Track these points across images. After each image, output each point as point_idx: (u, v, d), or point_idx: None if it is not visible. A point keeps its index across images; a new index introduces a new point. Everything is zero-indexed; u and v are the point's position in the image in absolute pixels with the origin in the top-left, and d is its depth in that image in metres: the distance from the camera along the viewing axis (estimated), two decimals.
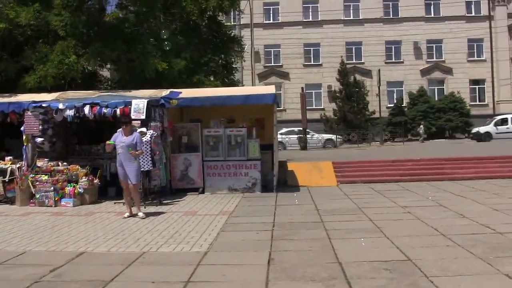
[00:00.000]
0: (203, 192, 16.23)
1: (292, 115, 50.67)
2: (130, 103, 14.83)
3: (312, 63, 54.54)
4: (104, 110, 14.88)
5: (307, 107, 52.37)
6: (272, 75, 54.64)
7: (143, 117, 14.57)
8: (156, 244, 9.37)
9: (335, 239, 9.31)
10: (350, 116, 48.48)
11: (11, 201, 14.92)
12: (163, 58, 18.74)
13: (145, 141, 13.92)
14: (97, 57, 17.34)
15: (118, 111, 14.86)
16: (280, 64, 54.82)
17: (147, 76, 17.79)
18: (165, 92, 16.44)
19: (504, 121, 43.73)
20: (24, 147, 15.32)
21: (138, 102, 14.77)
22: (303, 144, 35.42)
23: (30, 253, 9.08)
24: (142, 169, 13.72)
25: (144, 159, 13.86)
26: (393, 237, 9.22)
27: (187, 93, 16.59)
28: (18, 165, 15.21)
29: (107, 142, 12.29)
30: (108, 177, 16.19)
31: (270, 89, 16.54)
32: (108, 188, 16.06)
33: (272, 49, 54.85)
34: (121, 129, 12.42)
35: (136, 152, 12.08)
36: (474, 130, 45.34)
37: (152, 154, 14.07)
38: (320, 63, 54.37)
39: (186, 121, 17.75)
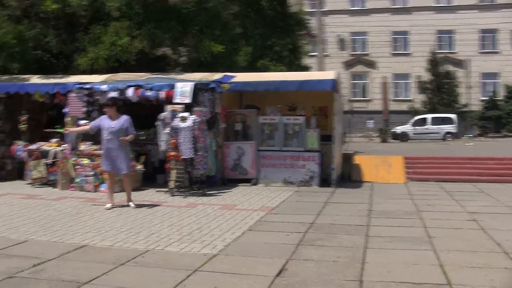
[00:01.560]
0: (256, 183, 15.29)
1: (378, 106, 48.75)
2: (175, 86, 13.93)
3: (400, 52, 52.25)
4: (148, 92, 14.18)
5: (394, 98, 50.51)
6: (358, 64, 52.86)
7: (188, 101, 13.71)
8: (167, 241, 8.44)
9: (372, 248, 8.03)
10: (440, 109, 46.03)
11: (53, 184, 14.55)
12: (225, 42, 17.74)
13: (186, 126, 13.08)
14: (150, 38, 16.48)
15: (162, 94, 14.01)
16: (367, 53, 52.87)
17: (202, 59, 16.87)
18: (217, 76, 15.58)
19: None
20: None
21: (184, 85, 13.92)
22: (384, 137, 33.66)
23: (30, 242, 8.39)
24: (183, 157, 12.86)
25: (185, 146, 13.04)
26: (441, 251, 7.82)
27: (241, 77, 15.60)
28: (61, 148, 14.63)
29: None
30: (157, 163, 15.47)
31: (329, 75, 15.26)
32: (158, 175, 15.38)
33: (358, 37, 52.95)
34: (106, 115, 11.61)
35: (126, 138, 11.23)
36: None
37: (195, 141, 13.11)
38: (409, 52, 52.05)
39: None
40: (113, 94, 14.37)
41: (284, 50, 21.16)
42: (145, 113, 15.69)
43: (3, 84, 15.79)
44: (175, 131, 13.30)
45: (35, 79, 16.20)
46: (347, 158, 17.92)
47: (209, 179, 14.86)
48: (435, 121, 42.16)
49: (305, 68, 24.88)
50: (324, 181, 15.16)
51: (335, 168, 15.20)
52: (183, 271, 6.79)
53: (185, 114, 13.24)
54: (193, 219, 10.29)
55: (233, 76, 15.49)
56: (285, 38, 21.07)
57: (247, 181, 15.38)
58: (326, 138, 15.48)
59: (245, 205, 11.99)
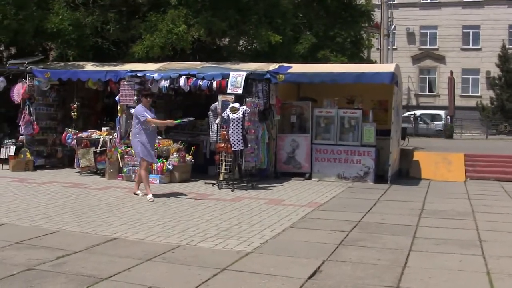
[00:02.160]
0: (309, 178, 14.84)
1: (445, 101, 47.12)
2: (227, 76, 13.61)
3: (470, 46, 50.44)
4: (200, 82, 13.86)
5: (462, 94, 48.83)
6: (427, 58, 51.33)
7: (240, 91, 13.31)
8: (202, 237, 8.04)
9: (416, 251, 7.42)
10: (509, 105, 44.16)
11: (102, 173, 14.44)
12: (284, 31, 17.25)
13: (236, 117, 12.66)
14: (206, 27, 16.15)
15: (214, 84, 13.67)
16: (436, 47, 51.25)
17: (259, 49, 16.42)
18: (273, 66, 15.15)
19: None
20: (118, 118, 14.65)
21: (236, 75, 13.53)
22: (449, 133, 32.46)
23: (61, 233, 8.13)
24: (233, 148, 12.60)
25: (234, 138, 12.66)
26: (491, 257, 7.14)
27: (297, 68, 15.16)
28: (111, 137, 14.49)
29: (176, 122, 11.86)
30: (208, 155, 15.20)
31: (388, 67, 14.64)
32: (209, 166, 15.10)
33: (428, 31, 51.39)
34: (140, 104, 11.52)
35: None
36: None
37: (244, 132, 12.69)
38: (479, 47, 50.15)
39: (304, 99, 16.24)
40: (165, 82, 14.14)
41: (346, 42, 20.47)
42: (201, 102, 15.56)
43: (55, 70, 15.73)
44: (225, 122, 12.92)
45: (90, 66, 16.13)
46: (406, 154, 17.21)
47: (261, 172, 14.55)
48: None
49: (368, 61, 24.13)
50: (380, 178, 14.59)
51: (391, 164, 14.51)
52: (211, 270, 6.36)
53: (236, 105, 12.84)
54: (235, 214, 9.90)
55: (289, 67, 15.04)
56: (348, 30, 20.35)
57: (300, 175, 14.95)
58: (386, 133, 14.80)
59: (293, 200, 11.55)
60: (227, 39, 18.24)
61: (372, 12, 22.42)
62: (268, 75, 14.50)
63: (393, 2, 41.97)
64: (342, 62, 18.57)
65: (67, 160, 15.91)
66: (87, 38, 17.27)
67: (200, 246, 7.53)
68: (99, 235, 7.99)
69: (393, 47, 37.52)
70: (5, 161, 15.20)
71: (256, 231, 8.48)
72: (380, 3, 29.82)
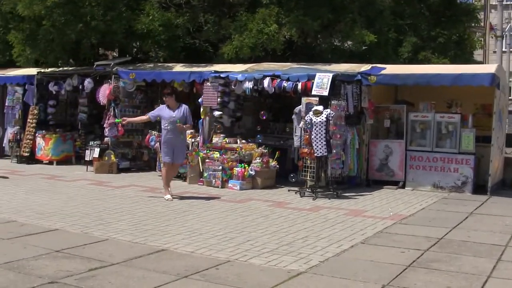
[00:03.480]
0: (403, 186, 13.95)
1: None
2: (313, 77, 12.93)
3: None
4: (285, 83, 13.28)
5: None
6: None
7: (326, 93, 12.59)
8: (258, 251, 7.43)
9: (496, 278, 6.45)
10: None
11: (184, 177, 14.08)
12: (380, 31, 16.34)
13: (319, 121, 11.96)
14: (298, 26, 15.52)
15: (299, 85, 13.05)
16: None
17: (353, 49, 15.63)
18: (365, 67, 14.36)
19: None
20: (201, 120, 14.31)
21: (322, 76, 12.82)
22: None
23: (110, 241, 7.75)
24: (316, 154, 11.97)
25: (317, 143, 12.00)
26: None
27: (391, 69, 14.26)
28: (194, 140, 14.19)
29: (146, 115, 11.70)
30: (296, 160, 14.55)
31: (489, 68, 13.37)
32: (297, 172, 14.38)
33: None
34: (164, 104, 11.46)
35: (185, 126, 11.15)
36: None
37: (328, 137, 11.96)
38: None
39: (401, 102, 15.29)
40: (249, 84, 13.68)
41: (449, 42, 19.14)
42: (291, 105, 14.96)
43: (140, 71, 15.65)
44: (309, 126, 12.26)
45: (179, 68, 15.91)
46: (511, 163, 15.74)
47: (351, 179, 13.89)
48: None
49: (472, 62, 22.52)
50: (481, 188, 13.42)
51: (492, 174, 13.32)
52: None
53: (319, 108, 12.16)
54: (306, 225, 9.23)
55: (382, 68, 14.16)
56: (451, 29, 19.01)
57: (393, 183, 14.09)
58: (488, 140, 13.64)
59: (376, 211, 10.75)
60: (319, 39, 17.44)
61: (478, 11, 20.87)
62: (359, 77, 13.71)
63: (508, 3, 39.28)
64: (444, 64, 17.33)
65: (153, 163, 15.63)
66: (178, 39, 16.98)
67: (251, 263, 6.87)
68: (147, 246, 7.52)
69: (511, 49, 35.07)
70: (90, 163, 15.20)
71: (320, 247, 7.74)
72: (496, 3, 27.97)
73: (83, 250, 7.15)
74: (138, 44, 17.91)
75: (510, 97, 18.40)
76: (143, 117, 12.16)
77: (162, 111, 11.33)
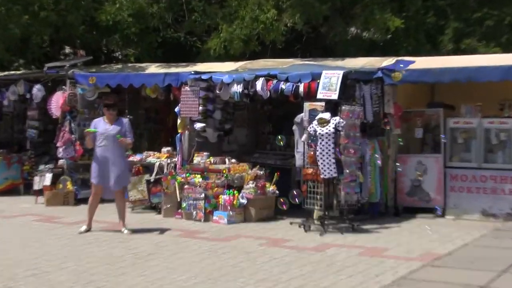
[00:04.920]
0: (442, 214, 13.60)
1: None
2: (319, 76, 12.52)
3: None
4: (283, 85, 12.91)
5: None
6: None
7: (335, 96, 12.18)
8: None
9: None
10: None
11: (158, 208, 13.82)
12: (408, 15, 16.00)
13: (325, 133, 11.60)
14: (303, 11, 15.18)
15: (301, 87, 12.75)
16: None
17: (375, 39, 15.28)
18: (388, 61, 14.05)
19: None
20: (179, 135, 14.03)
21: (330, 75, 12.43)
22: None
23: None
24: (323, 176, 11.70)
25: (324, 161, 11.69)
26: None
27: (422, 62, 13.86)
28: (170, 161, 14.06)
29: (87, 130, 11.62)
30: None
31: None
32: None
33: None
34: (101, 117, 11.86)
35: (127, 140, 11.42)
36: None
37: (337, 154, 11.60)
38: None
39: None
40: (238, 87, 13.37)
41: (500, 25, 18.72)
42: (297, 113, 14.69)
43: (103, 75, 15.35)
44: (313, 139, 11.92)
45: (153, 68, 15.79)
46: None
47: (372, 207, 13.56)
48: None
49: None
50: None
51: None
52: None
53: (325, 116, 11.74)
54: (304, 271, 8.78)
55: (410, 62, 13.69)
56: (502, 8, 18.62)
57: (430, 210, 13.78)
58: None
59: (401, 249, 10.36)
60: (331, 27, 17.14)
61: None
62: (379, 74, 13.31)
63: None
64: (494, 53, 16.91)
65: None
66: (154, 32, 16.76)
67: None
68: None
69: None
70: (41, 192, 14.86)
71: None
72: None
73: None
74: (102, 39, 17.64)
75: None
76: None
77: (96, 124, 11.56)
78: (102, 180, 11.35)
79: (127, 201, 13.85)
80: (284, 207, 12.98)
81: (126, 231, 11.42)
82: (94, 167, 11.45)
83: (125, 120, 11.75)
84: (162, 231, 11.89)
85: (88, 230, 11.53)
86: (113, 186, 11.44)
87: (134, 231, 11.71)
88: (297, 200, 12.53)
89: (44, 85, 15.64)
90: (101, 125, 11.44)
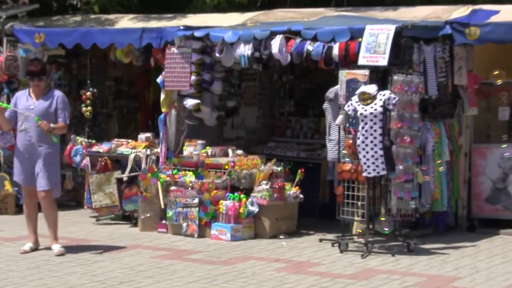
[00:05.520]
0: None
1: None
2: (361, 33, 12.68)
3: None
4: (309, 46, 13.06)
5: None
6: None
7: (384, 62, 12.36)
8: None
9: None
10: None
11: (134, 218, 14.13)
12: None
13: (370, 113, 11.77)
14: None
15: (335, 49, 12.90)
16: None
17: None
18: (461, 11, 14.19)
19: None
20: (162, 115, 14.28)
21: (377, 31, 12.63)
22: None
23: None
24: (366, 174, 11.92)
25: (367, 153, 11.87)
26: None
27: (508, 12, 13.97)
28: (149, 152, 14.27)
29: None
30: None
31: None
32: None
33: None
34: (27, 88, 11.88)
35: (51, 125, 11.27)
36: None
37: (387, 142, 11.76)
38: None
39: None
40: (245, 48, 13.54)
41: None
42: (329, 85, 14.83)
43: (55, 30, 15.62)
44: (353, 122, 12.21)
45: (125, 22, 16.07)
46: None
47: (437, 218, 13.87)
48: None
49: None
50: None
51: None
52: None
53: (369, 89, 11.89)
54: None
55: (492, 12, 13.98)
56: None
57: None
58: None
59: (477, 280, 10.49)
60: None
61: None
62: (447, 29, 13.54)
63: None
64: None
65: (82, 194, 15.51)
66: None
67: None
68: None
69: None
70: None
71: None
72: None
73: None
74: None
75: None
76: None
77: (18, 99, 11.64)
78: (28, 179, 11.47)
79: (91, 208, 14.16)
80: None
81: (57, 249, 11.44)
82: (15, 161, 11.69)
83: (58, 94, 11.66)
84: (139, 250, 12.09)
85: (35, 249, 11.59)
86: (37, 186, 11.47)
87: (104, 249, 12.01)
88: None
89: None
90: (23, 101, 11.50)
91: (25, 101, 11.45)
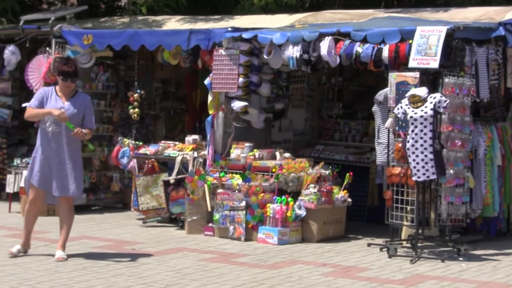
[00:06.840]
0: None
1: None
2: (412, 34, 12.61)
3: None
4: (358, 48, 13.01)
5: None
6: None
7: (435, 64, 12.25)
8: None
9: None
10: None
11: (181, 221, 14.10)
12: None
13: (420, 117, 11.69)
14: None
15: (385, 51, 12.84)
16: None
17: None
18: None
19: None
20: (210, 118, 14.25)
21: (428, 33, 12.53)
22: None
23: None
24: (415, 178, 11.80)
25: (417, 157, 11.78)
26: None
27: None
28: (196, 154, 14.24)
29: (26, 105, 11.50)
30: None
31: None
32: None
33: None
34: (52, 87, 11.70)
35: (84, 131, 11.05)
36: None
37: (438, 146, 11.69)
38: None
39: None
40: (293, 50, 13.52)
41: None
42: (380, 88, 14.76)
43: (103, 32, 15.68)
44: (402, 125, 12.12)
45: (173, 23, 16.10)
46: None
47: (488, 224, 13.73)
48: None
49: None
50: None
51: None
52: None
53: (420, 92, 11.78)
54: None
55: None
56: None
57: None
58: None
59: None
60: None
61: None
62: (501, 31, 13.34)
63: None
64: None
65: (129, 196, 15.51)
66: None
67: None
68: None
69: None
70: (17, 196, 15.16)
71: None
72: None
73: None
74: None
75: None
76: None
77: (46, 95, 11.35)
78: (43, 182, 11.19)
79: (137, 211, 14.09)
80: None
81: (60, 255, 11.16)
82: (36, 160, 11.29)
83: (87, 98, 11.58)
84: (185, 253, 12.06)
85: (25, 252, 11.40)
86: (58, 191, 11.21)
87: (144, 254, 11.87)
88: None
89: (20, 47, 15.81)
90: (52, 101, 11.25)
91: (54, 101, 11.21)
